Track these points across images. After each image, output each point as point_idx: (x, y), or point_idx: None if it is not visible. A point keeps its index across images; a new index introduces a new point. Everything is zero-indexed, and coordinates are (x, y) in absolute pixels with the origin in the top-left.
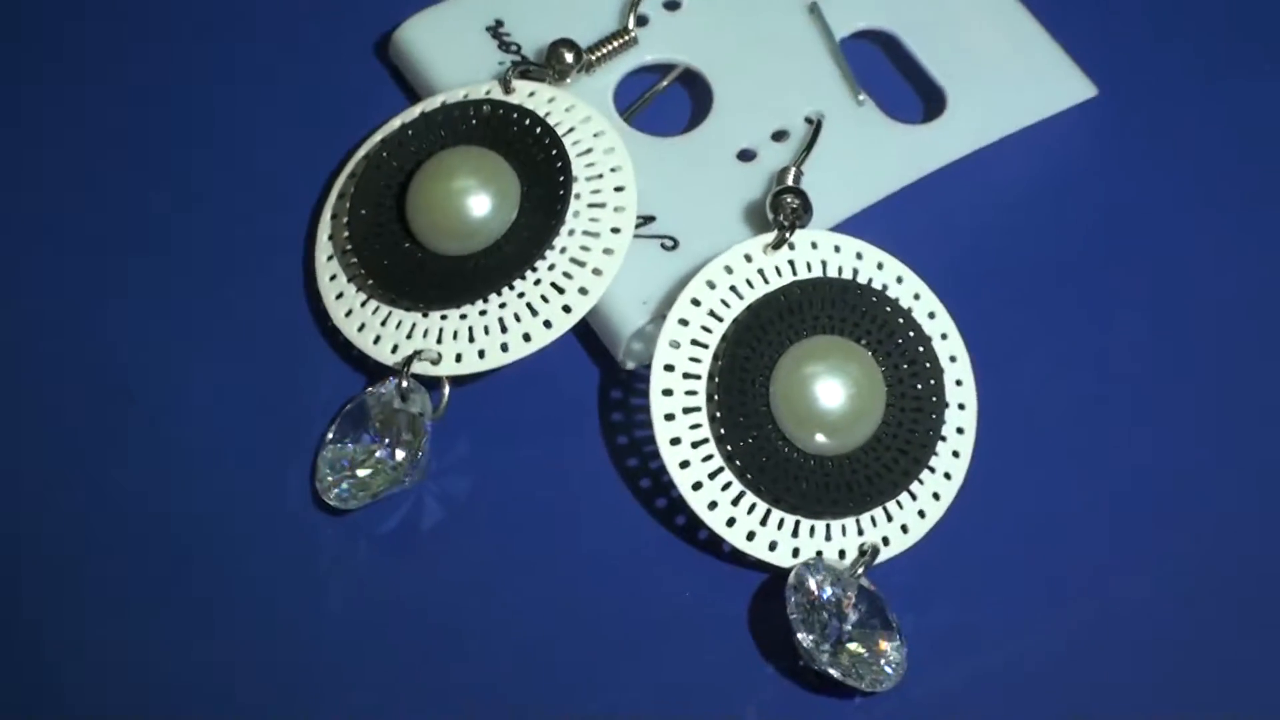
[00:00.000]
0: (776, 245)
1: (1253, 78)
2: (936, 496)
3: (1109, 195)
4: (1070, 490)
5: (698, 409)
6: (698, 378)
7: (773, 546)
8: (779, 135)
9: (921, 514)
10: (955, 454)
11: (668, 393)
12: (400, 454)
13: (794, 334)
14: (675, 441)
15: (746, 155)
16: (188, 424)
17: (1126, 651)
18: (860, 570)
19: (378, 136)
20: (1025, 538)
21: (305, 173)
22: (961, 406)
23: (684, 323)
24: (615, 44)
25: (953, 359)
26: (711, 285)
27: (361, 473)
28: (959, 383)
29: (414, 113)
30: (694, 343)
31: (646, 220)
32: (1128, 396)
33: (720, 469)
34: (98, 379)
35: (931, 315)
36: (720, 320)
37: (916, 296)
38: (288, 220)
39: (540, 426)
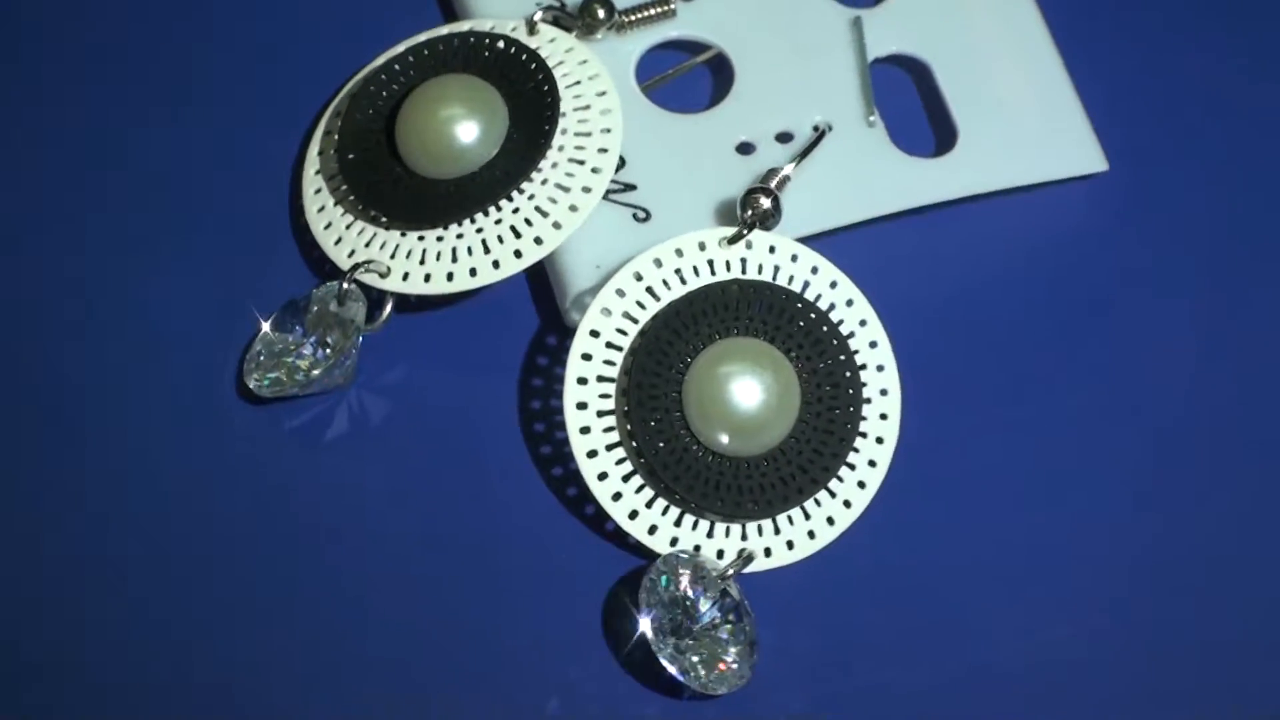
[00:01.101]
0: (733, 240)
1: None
2: (831, 521)
3: (1094, 268)
4: (962, 545)
5: (611, 379)
6: (620, 349)
7: (652, 530)
8: (783, 136)
9: (811, 534)
10: (861, 484)
11: (586, 357)
12: (322, 354)
13: (723, 330)
14: (582, 406)
15: (746, 148)
16: (148, 307)
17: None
18: (730, 573)
19: (391, 53)
20: (910, 579)
21: (329, 81)
22: (880, 440)
23: (620, 294)
24: (653, 11)
25: (883, 392)
26: (658, 264)
27: (284, 362)
28: (883, 416)
29: (439, 33)
30: (625, 315)
31: (627, 187)
32: (1054, 464)
33: (618, 443)
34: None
35: (873, 344)
36: (656, 300)
37: (862, 323)
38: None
39: (473, 366)
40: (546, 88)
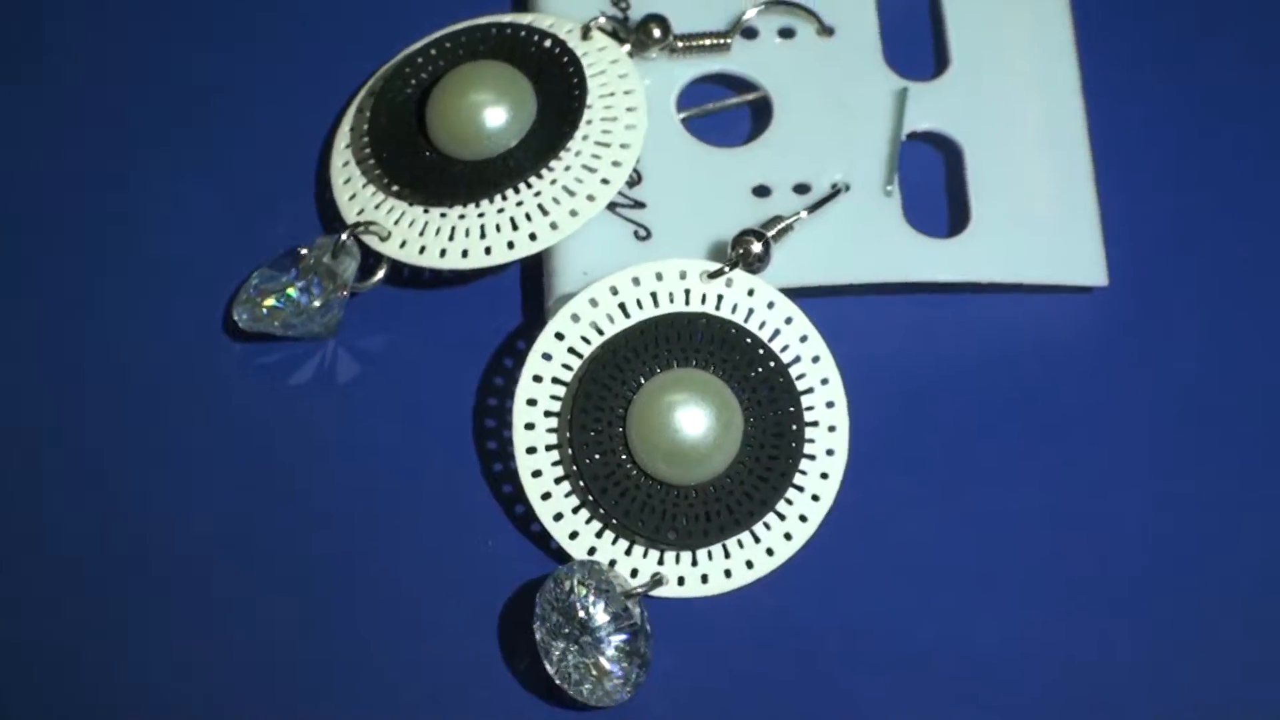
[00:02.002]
0: (714, 275)
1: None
2: (750, 565)
3: (1072, 380)
4: (872, 621)
5: (564, 383)
6: (579, 356)
7: (573, 536)
8: (801, 187)
9: (728, 573)
10: (787, 536)
11: (547, 357)
12: (306, 299)
13: (682, 360)
14: (532, 403)
15: (763, 191)
16: (160, 225)
17: None
18: (636, 592)
19: (445, 30)
20: (812, 641)
21: (387, 49)
22: (815, 498)
23: (594, 303)
24: (708, 42)
25: (829, 452)
26: (636, 283)
27: (268, 302)
28: (824, 475)
29: (498, 20)
30: (593, 324)
31: (636, 204)
32: (985, 561)
33: (557, 445)
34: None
35: (830, 404)
36: (626, 317)
37: (824, 381)
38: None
39: (448, 348)
40: (577, 94)
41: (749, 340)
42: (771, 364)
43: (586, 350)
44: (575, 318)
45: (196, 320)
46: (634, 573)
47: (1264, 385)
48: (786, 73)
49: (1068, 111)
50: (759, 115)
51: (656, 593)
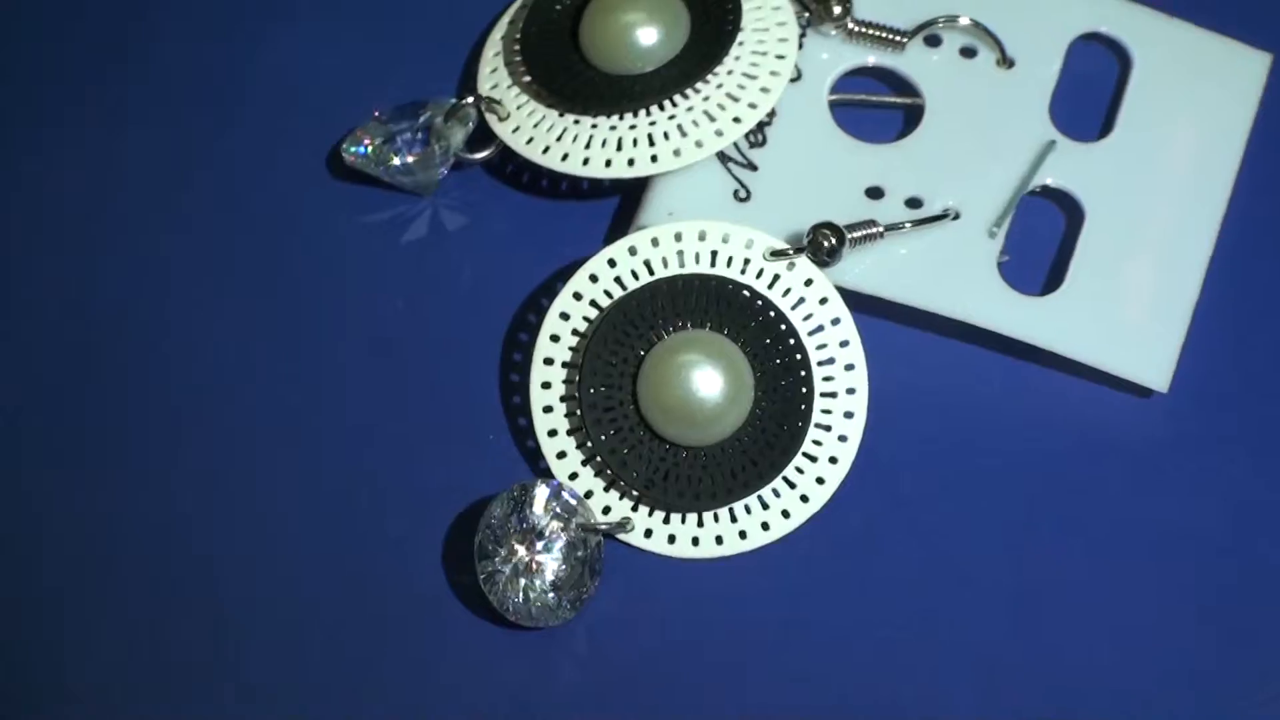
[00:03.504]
0: (777, 254)
1: None
2: (764, 527)
3: (1095, 477)
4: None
5: (577, 348)
6: (611, 297)
7: (572, 476)
8: (914, 201)
9: (719, 539)
10: (784, 514)
11: (574, 300)
12: (411, 154)
13: (710, 321)
14: (555, 339)
15: (875, 193)
16: (292, 62)
17: None
18: (598, 527)
19: None
20: (789, 636)
21: None
22: (805, 499)
23: (654, 243)
24: (885, 35)
25: (833, 460)
26: (702, 237)
27: (378, 143)
28: (831, 463)
29: None
30: (632, 273)
31: (749, 165)
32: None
33: (572, 389)
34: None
35: (849, 414)
36: (681, 267)
37: (851, 391)
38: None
39: (530, 248)
40: (731, 28)
41: (781, 325)
42: (799, 356)
43: (617, 291)
44: (632, 251)
45: (305, 155)
46: (606, 510)
47: None
48: (950, 89)
49: (1204, 219)
50: (909, 120)
51: (641, 545)
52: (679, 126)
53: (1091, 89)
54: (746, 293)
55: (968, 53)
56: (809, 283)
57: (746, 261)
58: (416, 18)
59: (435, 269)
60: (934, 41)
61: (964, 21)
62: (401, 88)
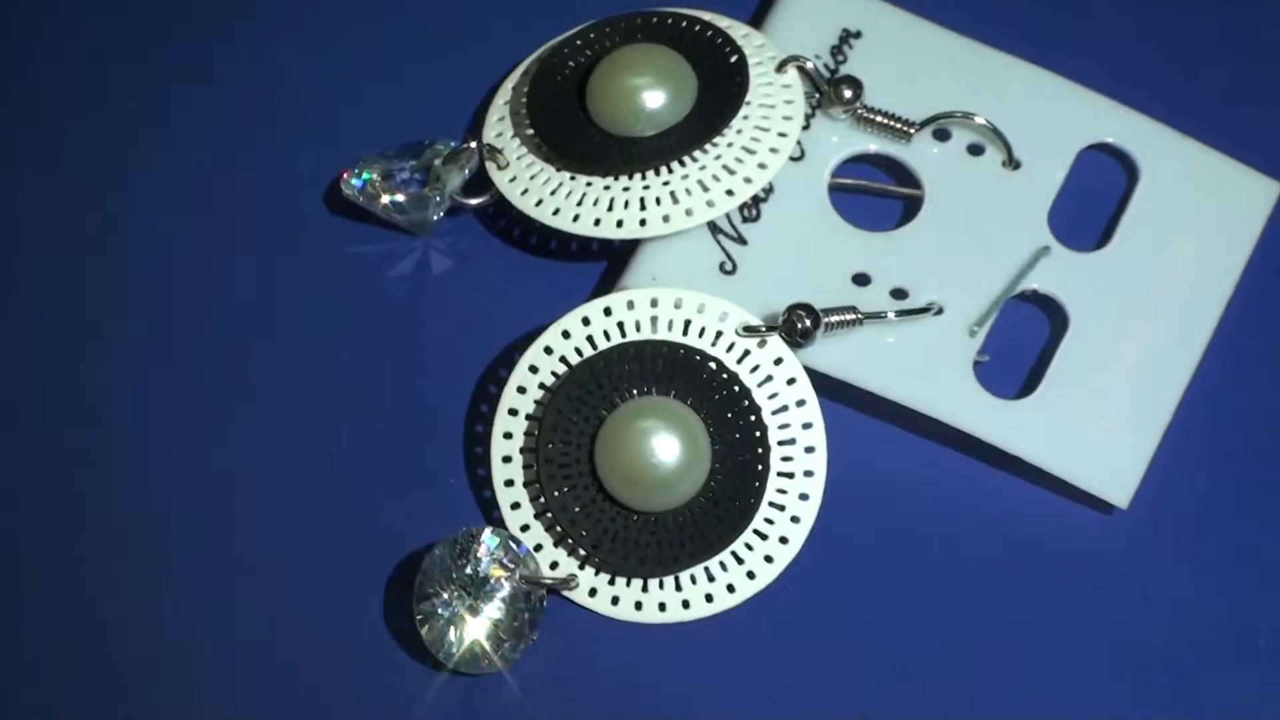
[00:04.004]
0: (751, 331)
1: None
2: (708, 599)
3: (1047, 587)
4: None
5: (542, 402)
6: (581, 355)
7: (524, 528)
8: (899, 292)
9: (662, 606)
10: (729, 589)
11: (544, 354)
12: (404, 192)
13: (674, 389)
14: (521, 390)
15: (862, 280)
16: (308, 82)
17: None
18: (542, 581)
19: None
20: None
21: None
22: (751, 575)
23: (630, 306)
24: (893, 124)
25: (783, 539)
26: (678, 305)
27: (378, 176)
28: (782, 543)
29: (716, 23)
30: (604, 333)
31: (739, 239)
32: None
33: (531, 442)
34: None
35: (804, 496)
36: (637, 333)
37: (809, 474)
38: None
39: (518, 301)
40: (736, 100)
41: (744, 402)
42: (757, 434)
43: (588, 351)
44: (584, 321)
45: (307, 185)
46: (554, 565)
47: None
48: (952, 184)
49: (1189, 342)
50: (908, 211)
51: (584, 603)
52: (672, 193)
53: (1094, 199)
54: (713, 364)
55: (975, 150)
56: (779, 361)
57: (719, 334)
58: (437, 60)
59: (415, 310)
60: (943, 135)
61: (980, 120)
62: (411, 128)
